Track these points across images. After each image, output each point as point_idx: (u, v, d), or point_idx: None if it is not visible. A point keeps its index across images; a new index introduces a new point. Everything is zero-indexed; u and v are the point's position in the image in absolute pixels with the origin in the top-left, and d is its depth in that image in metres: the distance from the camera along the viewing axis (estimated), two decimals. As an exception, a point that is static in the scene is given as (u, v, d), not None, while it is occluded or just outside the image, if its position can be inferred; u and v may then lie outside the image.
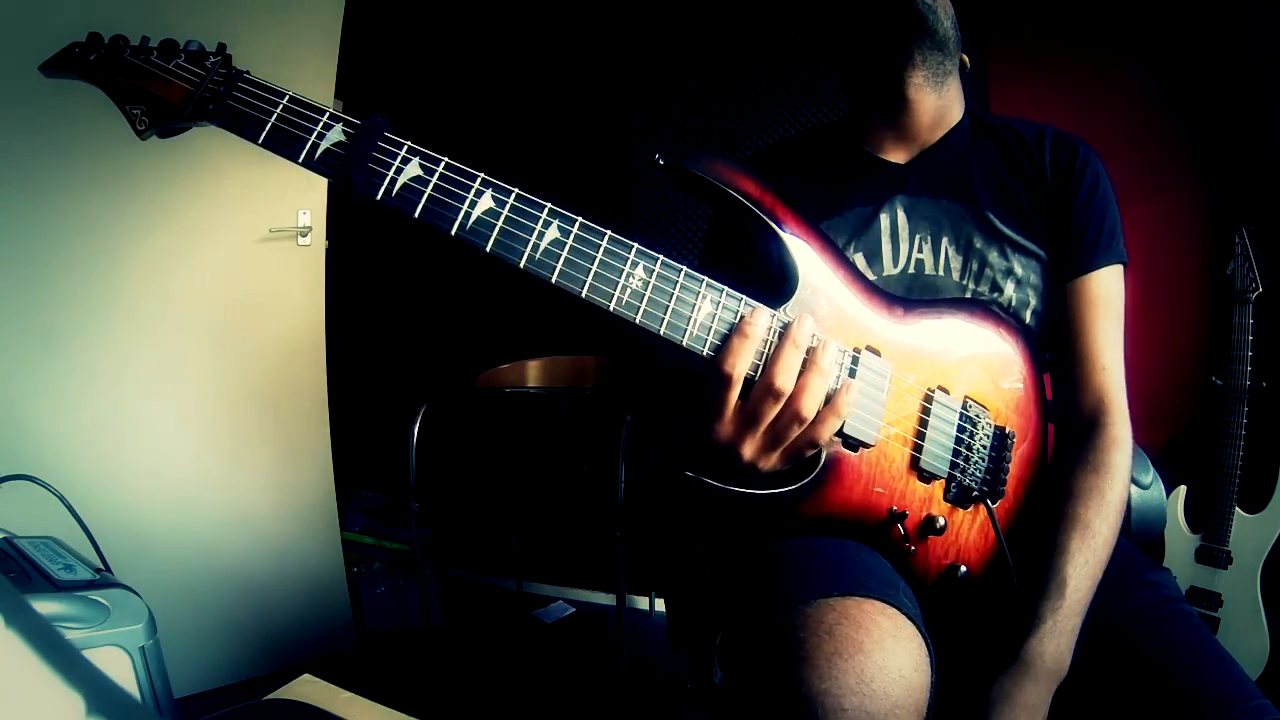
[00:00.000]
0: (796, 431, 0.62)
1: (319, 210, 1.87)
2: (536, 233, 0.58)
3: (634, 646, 1.91)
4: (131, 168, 1.61)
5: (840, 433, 0.65)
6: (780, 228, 0.66)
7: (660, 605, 2.25)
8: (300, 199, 1.84)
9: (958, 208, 0.83)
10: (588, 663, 1.98)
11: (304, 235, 1.85)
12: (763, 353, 0.61)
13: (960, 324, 0.75)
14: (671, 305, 0.60)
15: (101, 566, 1.11)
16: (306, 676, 1.16)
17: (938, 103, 0.83)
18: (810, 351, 0.62)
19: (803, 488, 0.65)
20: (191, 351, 1.75)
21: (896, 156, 0.86)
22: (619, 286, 0.59)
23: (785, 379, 0.60)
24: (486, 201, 0.58)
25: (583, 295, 0.58)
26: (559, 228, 0.58)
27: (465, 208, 0.58)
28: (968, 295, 0.81)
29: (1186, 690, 0.63)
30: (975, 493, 0.73)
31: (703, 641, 0.83)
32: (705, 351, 0.61)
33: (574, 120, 2.40)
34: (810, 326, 0.62)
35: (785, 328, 0.62)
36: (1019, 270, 0.82)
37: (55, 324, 1.57)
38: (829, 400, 0.62)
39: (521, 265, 0.58)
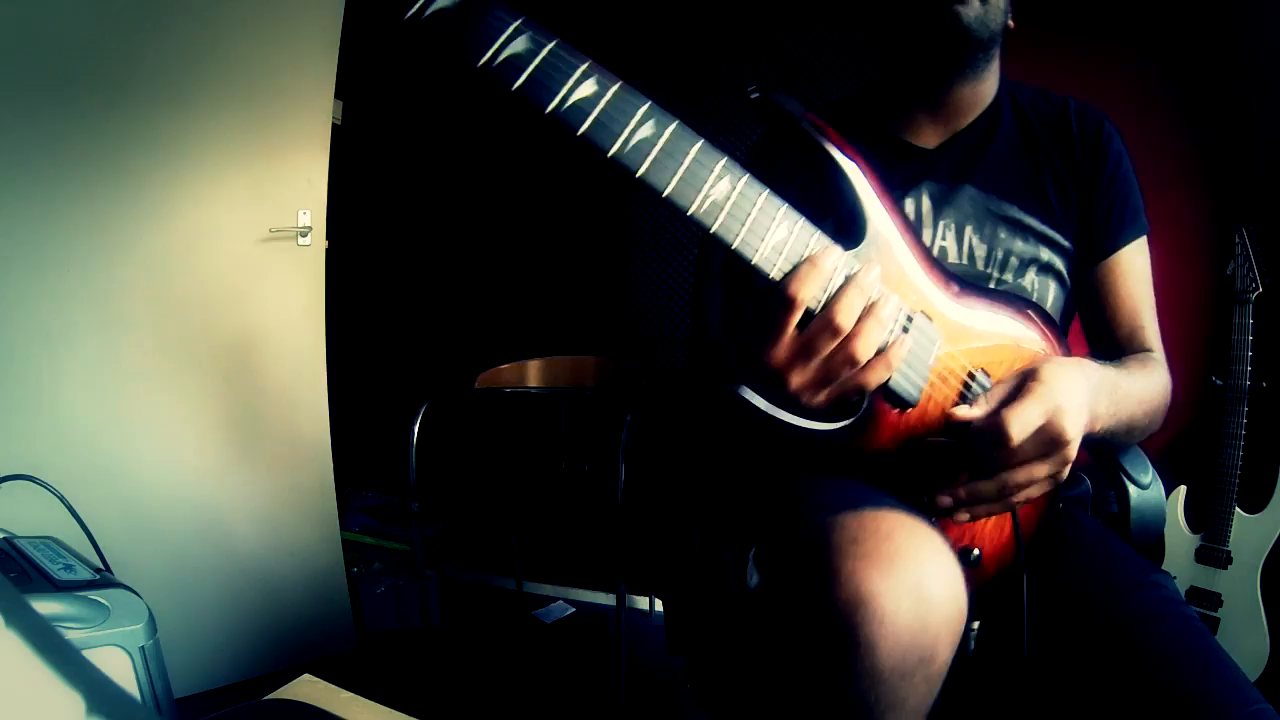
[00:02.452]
0: (848, 373, 0.63)
1: (319, 210, 1.86)
2: (631, 127, 0.58)
3: (634, 646, 1.91)
4: (131, 167, 1.61)
5: (886, 386, 0.66)
6: (861, 179, 0.67)
7: (660, 605, 2.25)
8: (300, 199, 1.83)
9: (984, 196, 0.85)
10: (588, 663, 1.98)
11: (304, 235, 1.84)
12: (826, 289, 0.62)
13: (1007, 318, 0.76)
14: (749, 223, 0.61)
15: (101, 566, 1.11)
16: (306, 676, 1.16)
17: (978, 89, 0.86)
18: (872, 301, 0.63)
19: (846, 428, 0.66)
20: (191, 351, 1.75)
21: (926, 140, 0.88)
22: (701, 194, 0.60)
23: (846, 317, 0.61)
24: (589, 87, 0.58)
25: (665, 195, 0.59)
26: (654, 125, 0.59)
27: (565, 90, 0.57)
28: (992, 284, 0.83)
29: (1186, 694, 0.63)
30: None
31: (733, 546, 0.79)
32: (774, 275, 0.62)
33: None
34: (877, 276, 0.63)
35: (853, 271, 0.63)
36: (1044, 257, 0.84)
37: (55, 324, 1.57)
38: (881, 351, 0.63)
39: (610, 154, 0.58)
